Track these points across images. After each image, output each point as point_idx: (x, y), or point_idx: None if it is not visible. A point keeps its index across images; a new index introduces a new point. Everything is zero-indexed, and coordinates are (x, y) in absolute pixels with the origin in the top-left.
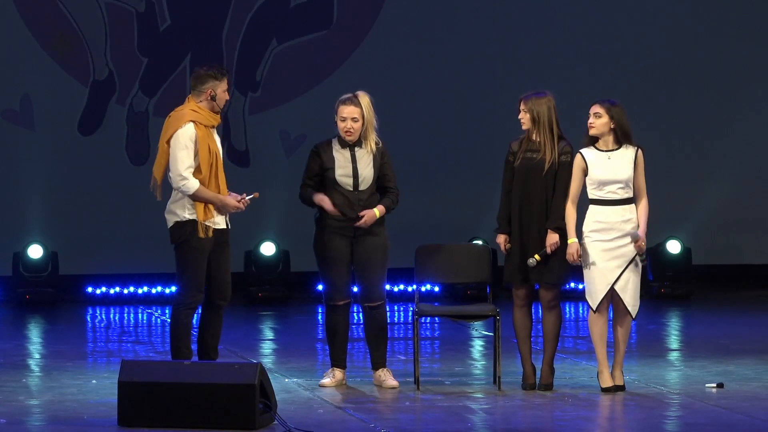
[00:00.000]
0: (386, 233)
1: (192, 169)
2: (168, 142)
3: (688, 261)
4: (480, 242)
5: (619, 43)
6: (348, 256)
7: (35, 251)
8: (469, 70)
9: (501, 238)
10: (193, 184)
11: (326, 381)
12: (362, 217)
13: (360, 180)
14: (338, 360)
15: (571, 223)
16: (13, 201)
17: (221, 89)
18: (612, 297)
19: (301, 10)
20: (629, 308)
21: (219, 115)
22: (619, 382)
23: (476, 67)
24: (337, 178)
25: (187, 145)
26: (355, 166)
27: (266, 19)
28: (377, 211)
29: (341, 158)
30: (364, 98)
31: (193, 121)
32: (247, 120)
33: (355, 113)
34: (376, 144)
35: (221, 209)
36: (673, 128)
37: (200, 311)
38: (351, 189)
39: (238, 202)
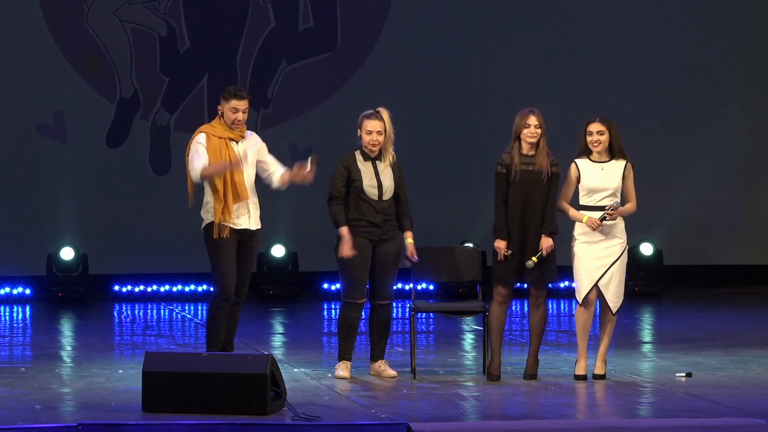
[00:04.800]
0: (400, 239)
1: (201, 158)
2: (187, 154)
3: (659, 262)
4: (471, 245)
5: (595, 54)
6: (370, 258)
7: (67, 253)
8: (461, 88)
9: (502, 244)
10: (196, 166)
11: (345, 373)
12: (411, 252)
13: (384, 190)
14: (349, 354)
15: (574, 211)
16: (47, 207)
17: (227, 108)
18: (598, 294)
19: (308, 34)
20: (610, 304)
21: (236, 131)
22: (600, 372)
23: (468, 84)
24: (365, 188)
25: (198, 150)
26: (378, 177)
27: (276, 43)
28: (411, 239)
29: (365, 170)
30: (386, 113)
31: (205, 132)
32: (260, 134)
33: (380, 127)
34: (393, 157)
35: (238, 200)
36: (646, 139)
37: None
38: (376, 199)
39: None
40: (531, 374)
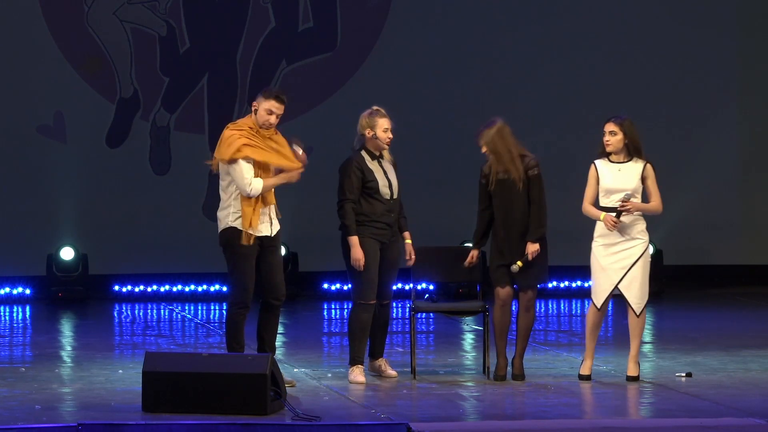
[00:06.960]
0: (400, 239)
1: (251, 174)
2: (221, 144)
3: (659, 261)
4: (471, 245)
5: (595, 54)
6: (379, 259)
7: (67, 253)
8: (460, 88)
9: (472, 252)
10: (257, 185)
11: (361, 378)
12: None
13: (393, 189)
14: (362, 357)
15: (594, 211)
16: (47, 207)
17: (263, 106)
18: (620, 296)
19: (307, 35)
20: (633, 306)
21: (265, 129)
22: (633, 374)
23: (467, 84)
24: (380, 189)
25: (243, 167)
26: (387, 176)
27: (276, 43)
28: (410, 240)
29: (376, 170)
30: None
31: (239, 133)
32: None
33: (391, 124)
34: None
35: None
36: (645, 139)
37: (259, 311)
38: (388, 198)
39: (298, 157)
40: (518, 374)
